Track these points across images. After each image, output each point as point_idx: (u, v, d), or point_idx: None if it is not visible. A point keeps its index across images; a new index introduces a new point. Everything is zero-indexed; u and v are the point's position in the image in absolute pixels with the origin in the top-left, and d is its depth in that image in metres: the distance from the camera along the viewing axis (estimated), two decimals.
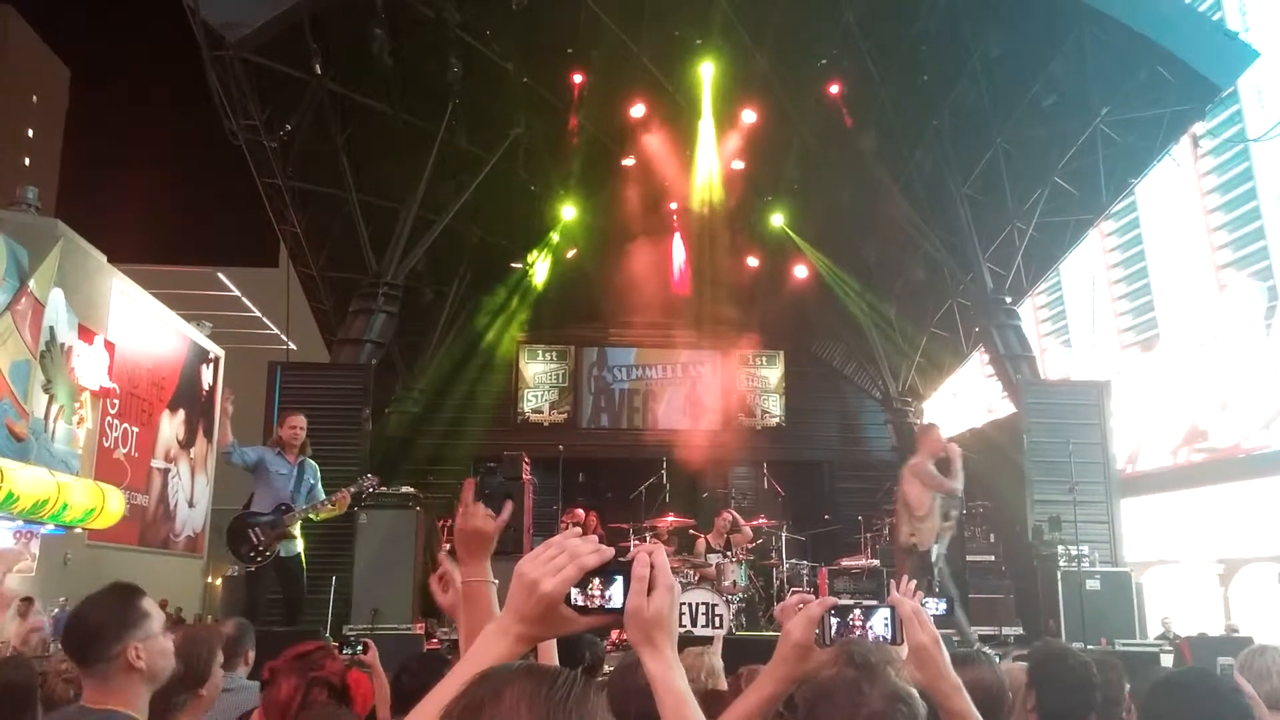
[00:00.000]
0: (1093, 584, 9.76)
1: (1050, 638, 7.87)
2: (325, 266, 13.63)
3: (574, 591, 1.34)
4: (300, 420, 7.96)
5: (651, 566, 1.38)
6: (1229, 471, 14.32)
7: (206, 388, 19.90)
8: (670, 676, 1.38)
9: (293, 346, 17.28)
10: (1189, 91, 11.28)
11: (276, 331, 21.33)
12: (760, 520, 12.10)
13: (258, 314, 21.96)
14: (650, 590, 1.37)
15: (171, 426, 18.21)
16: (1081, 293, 18.91)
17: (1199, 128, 13.47)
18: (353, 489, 7.88)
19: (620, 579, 1.36)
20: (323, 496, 7.89)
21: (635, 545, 10.71)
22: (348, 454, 11.12)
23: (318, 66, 10.97)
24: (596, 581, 1.35)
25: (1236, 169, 15.14)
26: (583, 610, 1.35)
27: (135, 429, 16.61)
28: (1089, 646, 8.08)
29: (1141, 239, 17.43)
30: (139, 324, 16.76)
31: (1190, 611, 14.14)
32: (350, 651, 4.05)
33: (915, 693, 1.75)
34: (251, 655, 4.29)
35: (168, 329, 18.28)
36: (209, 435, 19.99)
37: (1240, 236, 15.09)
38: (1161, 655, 7.67)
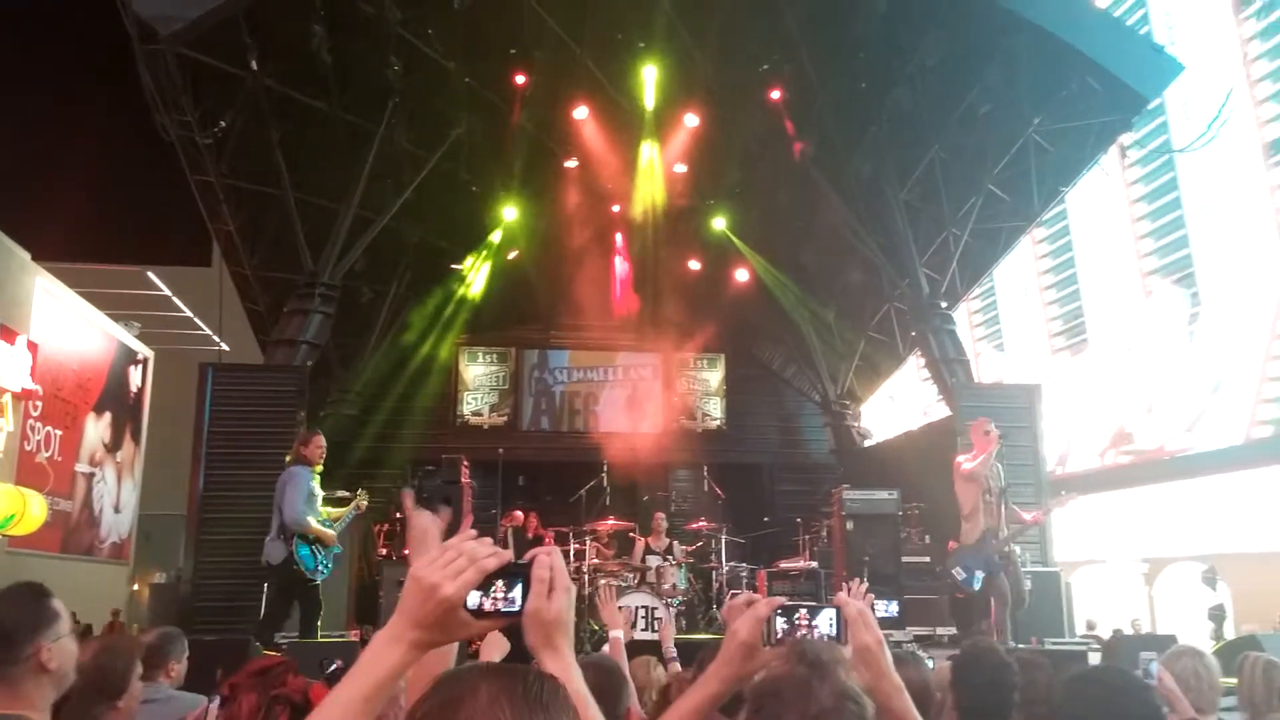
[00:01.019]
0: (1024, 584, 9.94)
1: (980, 637, 8.01)
2: (260, 266, 13.35)
3: (473, 595, 1.33)
4: (323, 439, 8.18)
5: (550, 569, 1.38)
6: (1154, 473, 14.73)
7: (135, 389, 19.39)
8: (570, 677, 1.38)
9: (225, 347, 16.93)
10: (1117, 103, 11.60)
11: (209, 332, 20.86)
12: (700, 523, 12.16)
13: (189, 314, 21.44)
14: (549, 592, 1.37)
15: (97, 429, 17.70)
16: (1014, 298, 19.34)
17: (1127, 138, 13.85)
18: (363, 502, 8.30)
19: (520, 582, 1.36)
20: None
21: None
22: (282, 457, 10.88)
23: (254, 62, 10.73)
24: (498, 584, 1.34)
25: (1162, 179, 15.61)
26: (479, 614, 1.33)
27: (59, 432, 16.11)
28: (1020, 646, 8.24)
29: (1072, 246, 17.88)
30: (64, 324, 16.26)
31: (1117, 610, 14.53)
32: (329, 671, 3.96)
33: (863, 692, 1.76)
34: (176, 668, 4.19)
35: (94, 329, 17.76)
36: (137, 438, 19.50)
37: (1165, 244, 15.56)
38: (1089, 654, 7.84)
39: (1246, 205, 14.15)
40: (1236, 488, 12.99)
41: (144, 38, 9.89)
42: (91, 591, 16.23)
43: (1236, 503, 12.92)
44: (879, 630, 1.93)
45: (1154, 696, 2.84)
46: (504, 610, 1.35)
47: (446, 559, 1.33)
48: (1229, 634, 10.11)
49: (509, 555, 1.36)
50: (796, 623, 1.89)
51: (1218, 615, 10.13)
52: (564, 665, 1.39)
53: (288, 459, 7.92)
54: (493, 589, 1.34)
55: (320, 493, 7.84)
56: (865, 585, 2.18)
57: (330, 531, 7.66)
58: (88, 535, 17.65)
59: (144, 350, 19.94)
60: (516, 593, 1.36)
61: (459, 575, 1.32)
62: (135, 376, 19.46)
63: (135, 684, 3.17)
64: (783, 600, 1.92)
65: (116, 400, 18.45)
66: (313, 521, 7.57)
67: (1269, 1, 13.82)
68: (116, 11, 9.79)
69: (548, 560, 1.38)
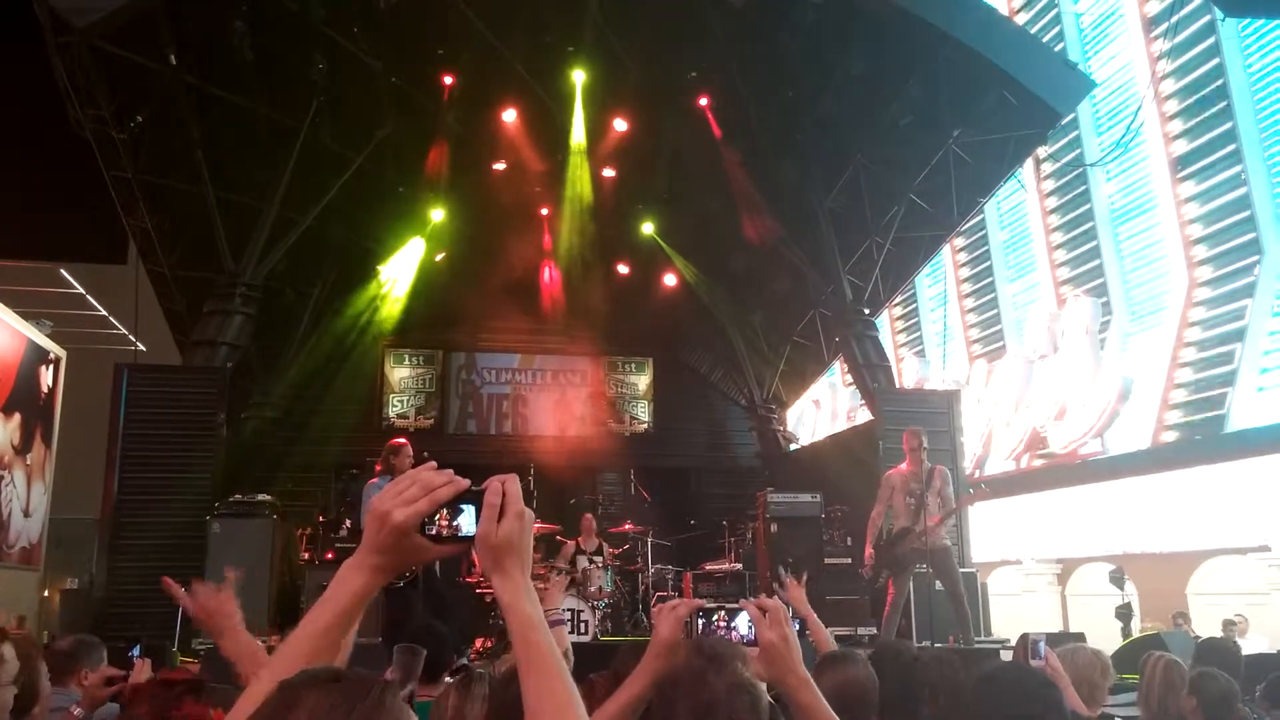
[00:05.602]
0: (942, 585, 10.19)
1: (895, 639, 8.21)
2: (178, 265, 13.03)
3: (428, 520, 1.38)
4: (410, 450, 7.87)
5: (504, 494, 1.41)
6: (1066, 476, 15.20)
7: (46, 390, 18.79)
8: (519, 603, 1.40)
9: (142, 348, 16.46)
10: (1033, 117, 11.95)
11: (124, 332, 20.29)
12: (627, 526, 12.23)
13: (104, 313, 20.81)
14: (500, 517, 1.40)
15: (6, 431, 17.12)
16: (935, 305, 19.80)
17: (1042, 151, 14.30)
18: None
19: (472, 508, 1.40)
20: None
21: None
22: (200, 461, 10.69)
23: (173, 57, 10.47)
24: (449, 510, 1.40)
25: (1075, 192, 16.13)
26: (436, 539, 1.39)
27: None
28: (937, 644, 8.46)
29: (990, 255, 18.38)
30: None
31: (1031, 610, 14.98)
32: None
33: (760, 684, 1.84)
34: (91, 676, 4.15)
35: (3, 327, 17.18)
36: (48, 441, 18.92)
37: (1077, 255, 16.08)
38: (1002, 652, 8.09)
39: (1154, 218, 14.70)
40: (1144, 490, 13.48)
41: (57, 29, 9.59)
42: (0, 597, 15.72)
43: (1144, 505, 13.41)
44: (787, 628, 1.99)
45: (1059, 693, 2.96)
46: (458, 535, 1.40)
47: (401, 487, 1.39)
48: (1135, 631, 10.48)
49: (465, 483, 1.41)
50: (715, 622, 1.98)
51: (1124, 614, 10.49)
52: (514, 589, 1.40)
53: (377, 467, 7.77)
54: (439, 516, 1.39)
55: None
56: (791, 575, 2.25)
57: None
58: None
59: (56, 350, 19.34)
60: (468, 519, 1.40)
61: (411, 503, 1.37)
62: (46, 377, 18.86)
63: (45, 688, 3.13)
64: (703, 602, 2.01)
65: (26, 401, 17.86)
66: None
67: (1177, 22, 14.37)
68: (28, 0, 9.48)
69: (499, 486, 1.41)
